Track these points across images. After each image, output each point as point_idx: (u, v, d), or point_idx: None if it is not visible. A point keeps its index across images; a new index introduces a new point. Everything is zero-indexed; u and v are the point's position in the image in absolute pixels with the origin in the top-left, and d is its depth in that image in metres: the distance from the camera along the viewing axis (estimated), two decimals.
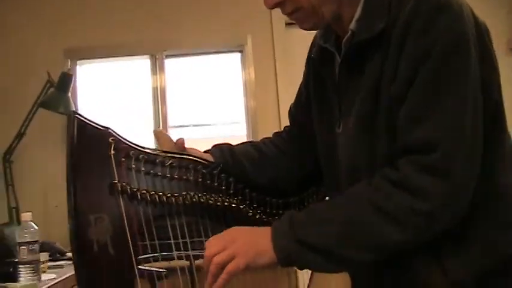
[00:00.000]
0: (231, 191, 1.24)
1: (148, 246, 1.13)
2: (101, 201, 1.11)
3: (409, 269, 1.07)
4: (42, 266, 2.11)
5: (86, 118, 1.14)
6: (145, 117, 3.69)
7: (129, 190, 1.12)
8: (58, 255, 2.65)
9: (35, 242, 1.90)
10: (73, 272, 1.14)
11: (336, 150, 1.20)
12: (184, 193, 1.18)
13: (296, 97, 1.46)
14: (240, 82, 3.76)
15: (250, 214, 1.25)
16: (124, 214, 1.11)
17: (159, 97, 3.70)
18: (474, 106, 0.98)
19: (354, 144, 1.12)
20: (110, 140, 1.12)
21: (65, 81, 2.97)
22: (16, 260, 1.89)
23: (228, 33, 3.69)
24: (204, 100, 3.74)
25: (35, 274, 1.89)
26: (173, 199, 1.16)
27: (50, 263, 2.38)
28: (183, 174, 1.19)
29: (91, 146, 1.12)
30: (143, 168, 1.14)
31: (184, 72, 3.77)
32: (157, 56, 3.70)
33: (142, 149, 1.16)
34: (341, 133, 1.18)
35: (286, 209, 1.30)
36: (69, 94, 2.99)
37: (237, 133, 3.69)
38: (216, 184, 1.23)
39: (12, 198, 3.19)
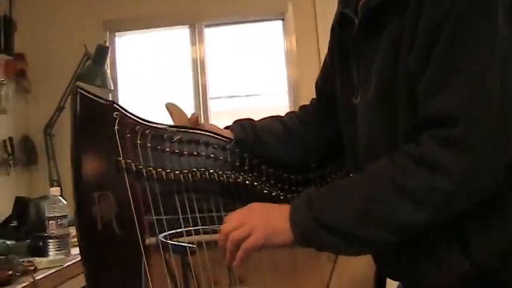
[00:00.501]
0: (246, 167, 1.18)
1: (156, 224, 1.07)
2: (105, 179, 1.06)
3: (429, 246, 0.99)
4: (73, 240, 2.11)
5: (90, 93, 1.09)
6: (184, 88, 3.66)
7: (134, 167, 1.07)
8: None
9: (64, 216, 1.89)
10: None
11: (355, 122, 1.12)
12: (194, 169, 1.12)
13: (322, 67, 1.39)
14: (281, 51, 3.66)
15: (265, 191, 1.18)
16: (129, 192, 1.06)
17: (198, 68, 3.65)
18: (502, 72, 0.88)
19: (372, 116, 1.05)
20: (115, 114, 1.06)
21: (101, 53, 2.95)
22: (46, 234, 1.88)
23: (268, 1, 3.59)
24: (245, 71, 3.66)
25: (64, 249, 1.88)
26: (181, 176, 1.10)
27: None
28: (193, 150, 1.13)
29: (95, 121, 1.07)
30: (149, 144, 1.09)
31: (224, 42, 3.70)
32: (196, 26, 3.64)
33: (149, 124, 1.10)
34: (359, 104, 1.10)
35: (306, 185, 1.23)
36: (106, 66, 2.97)
37: (278, 104, 3.61)
38: (229, 160, 1.16)
39: (54, 171, 3.22)
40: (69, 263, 1.82)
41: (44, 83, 3.39)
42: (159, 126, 1.11)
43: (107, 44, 3.04)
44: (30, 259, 1.67)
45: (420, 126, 0.94)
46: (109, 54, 3.21)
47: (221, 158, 1.15)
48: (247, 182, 1.16)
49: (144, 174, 1.07)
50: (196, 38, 3.65)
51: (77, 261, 1.85)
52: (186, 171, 1.11)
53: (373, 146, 1.06)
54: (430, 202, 0.91)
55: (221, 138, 1.18)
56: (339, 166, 1.29)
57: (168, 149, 1.10)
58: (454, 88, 0.88)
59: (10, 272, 1.46)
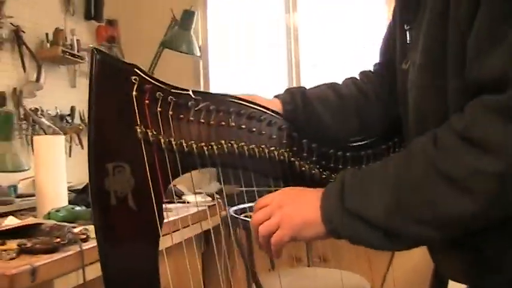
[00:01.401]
0: (284, 141, 1.05)
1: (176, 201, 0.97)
2: (121, 149, 0.97)
3: (477, 248, 0.83)
4: None
5: (109, 55, 1.00)
6: (278, 56, 3.53)
7: (152, 137, 0.96)
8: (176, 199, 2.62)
9: None
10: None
11: (406, 93, 0.96)
12: (222, 141, 1.00)
13: (386, 29, 1.23)
14: (383, 21, 3.44)
15: (304, 169, 1.05)
16: (147, 165, 0.96)
17: (292, 36, 3.50)
18: None
19: (420, 85, 0.90)
20: (133, 79, 0.96)
21: (187, 18, 2.89)
22: None
23: None
24: (339, 39, 3.47)
25: None
26: (205, 149, 0.99)
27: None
28: (222, 120, 1.01)
29: (112, 86, 0.97)
30: (171, 112, 0.98)
31: (319, 10, 3.52)
32: None
33: (172, 90, 0.99)
34: (408, 71, 0.95)
35: (355, 165, 1.08)
36: (192, 32, 2.91)
37: None
38: (263, 132, 1.04)
39: None
40: None
41: (135, 49, 3.40)
42: (184, 92, 1.00)
43: (193, 9, 2.96)
44: (87, 227, 1.64)
45: (468, 92, 0.77)
46: (199, 20, 3.15)
47: (254, 129, 1.03)
48: (281, 157, 1.03)
49: (163, 145, 0.97)
50: (290, 6, 3.50)
51: None
52: (211, 143, 1.00)
53: (421, 121, 0.91)
54: (477, 189, 0.74)
55: (258, 108, 1.05)
56: (397, 145, 1.12)
57: (192, 119, 0.99)
58: (507, 47, 0.70)
59: (58, 240, 1.43)
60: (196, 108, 0.99)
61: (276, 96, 1.18)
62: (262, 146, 1.03)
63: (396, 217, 0.81)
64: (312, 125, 1.13)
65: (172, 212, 2.27)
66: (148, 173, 0.97)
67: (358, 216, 0.83)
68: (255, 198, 0.99)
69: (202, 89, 3.53)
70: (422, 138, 0.82)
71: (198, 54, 2.99)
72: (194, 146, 0.99)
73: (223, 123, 1.01)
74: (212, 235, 2.57)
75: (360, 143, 1.11)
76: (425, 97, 0.88)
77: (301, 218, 0.90)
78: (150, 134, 0.96)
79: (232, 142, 1.01)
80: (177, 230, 2.13)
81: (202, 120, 1.00)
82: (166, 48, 2.90)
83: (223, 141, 1.00)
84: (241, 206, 2.27)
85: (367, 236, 0.84)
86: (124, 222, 0.97)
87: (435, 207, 0.78)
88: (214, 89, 3.57)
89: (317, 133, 1.10)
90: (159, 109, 0.97)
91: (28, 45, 2.79)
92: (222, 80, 3.56)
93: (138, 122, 0.96)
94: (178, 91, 0.99)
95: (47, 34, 2.95)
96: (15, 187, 2.33)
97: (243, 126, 1.02)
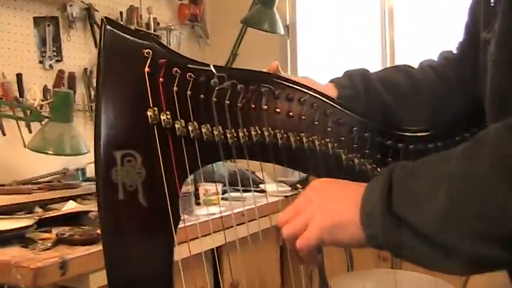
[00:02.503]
0: (329, 128, 0.87)
1: (193, 197, 0.82)
2: (131, 135, 0.83)
3: None
4: (213, 197, 1.95)
5: (122, 26, 0.85)
6: (372, 40, 3.29)
7: (164, 122, 0.81)
8: (253, 186, 2.48)
9: None
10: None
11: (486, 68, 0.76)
12: (251, 128, 0.84)
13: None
14: None
15: (352, 163, 0.86)
16: (160, 154, 0.82)
17: (386, 16, 3.24)
18: None
19: (498, 58, 0.71)
20: (145, 52, 0.81)
21: None
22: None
23: None
24: (437, 20, 3.16)
25: (185, 207, 1.70)
26: (229, 136, 0.83)
27: (234, 194, 2.20)
28: (251, 102, 0.84)
29: (123, 61, 0.83)
30: (190, 92, 0.83)
31: None
32: None
33: (190, 65, 0.83)
34: (490, 40, 0.75)
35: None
36: (275, 10, 2.73)
37: None
38: (303, 117, 0.86)
39: None
40: (188, 223, 1.63)
41: (220, 29, 3.28)
42: (205, 68, 0.84)
43: None
44: None
45: None
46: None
47: (291, 114, 0.86)
48: (324, 147, 0.85)
49: (179, 132, 0.82)
50: None
51: (202, 222, 1.67)
52: (237, 131, 0.83)
53: (499, 104, 0.71)
54: None
55: (298, 88, 0.87)
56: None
57: (215, 100, 0.83)
58: None
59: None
60: (219, 88, 0.83)
61: (331, 81, 1.01)
62: (301, 134, 0.85)
63: (451, 227, 0.61)
64: (373, 111, 0.95)
65: (247, 201, 2.13)
66: (161, 165, 0.82)
67: (405, 222, 0.64)
68: None
69: (289, 72, 3.36)
70: (496, 126, 0.62)
71: (282, 33, 2.81)
72: (216, 133, 0.83)
73: (253, 106, 0.84)
74: None
75: (427, 133, 0.91)
76: (504, 73, 0.68)
77: (335, 216, 0.72)
78: (164, 118, 0.81)
79: (264, 129, 0.84)
80: (253, 220, 2.01)
81: (227, 102, 0.83)
82: (249, 27, 2.74)
83: (252, 128, 0.84)
84: None
85: (416, 250, 0.65)
86: (132, 219, 0.83)
87: (506, 217, 0.57)
88: (302, 71, 3.38)
89: (377, 121, 0.91)
90: (175, 88, 0.82)
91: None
92: (310, 62, 3.37)
93: (151, 103, 0.81)
94: (198, 66, 0.83)
95: (121, 13, 2.87)
96: (83, 170, 2.28)
97: (278, 110, 0.85)
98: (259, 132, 0.83)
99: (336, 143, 0.86)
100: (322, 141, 0.85)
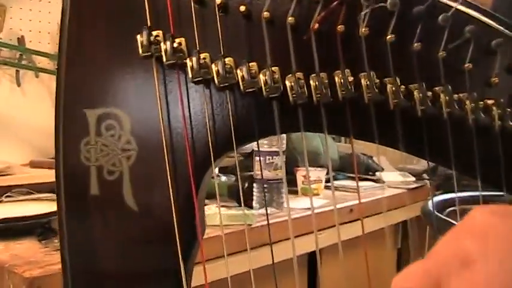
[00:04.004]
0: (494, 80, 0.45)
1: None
2: (111, 80, 0.46)
3: None
4: (313, 186, 1.56)
5: None
6: None
7: (165, 54, 0.44)
8: (373, 174, 2.04)
9: (275, 152, 1.30)
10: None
11: None
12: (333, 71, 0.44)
13: None
14: None
15: None
16: (161, 114, 0.44)
17: None
18: None
19: None
20: None
21: None
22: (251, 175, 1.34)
23: None
24: None
25: (273, 199, 1.31)
26: (292, 85, 0.44)
27: (342, 182, 1.79)
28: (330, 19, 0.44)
29: None
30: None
31: None
32: None
33: None
34: None
35: None
36: None
37: None
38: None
39: None
40: (275, 220, 1.24)
41: None
42: None
43: None
44: (213, 207, 1.17)
45: None
46: None
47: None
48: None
49: (192, 70, 0.44)
50: None
51: (296, 218, 1.28)
52: (296, 73, 0.44)
53: None
54: None
55: None
56: None
57: (253, 14, 0.44)
58: None
59: None
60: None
61: None
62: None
63: None
64: None
65: (362, 193, 1.73)
66: (169, 134, 0.44)
67: None
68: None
69: None
70: None
71: None
72: (265, 74, 0.43)
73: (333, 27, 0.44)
74: (410, 228, 1.97)
75: None
76: None
77: None
78: (165, 47, 0.43)
79: (364, 74, 0.44)
80: (368, 217, 1.62)
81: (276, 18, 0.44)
82: None
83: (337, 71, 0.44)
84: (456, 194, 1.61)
85: None
86: (112, 235, 0.46)
87: None
88: None
89: None
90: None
91: None
92: None
93: (145, 22, 0.44)
94: None
95: None
96: None
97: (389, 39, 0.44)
98: (347, 79, 0.43)
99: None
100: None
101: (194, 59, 0.43)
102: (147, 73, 0.44)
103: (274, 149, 1.30)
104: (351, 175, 1.92)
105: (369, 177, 1.97)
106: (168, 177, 0.44)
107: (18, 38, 1.66)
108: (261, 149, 1.31)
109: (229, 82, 0.42)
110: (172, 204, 0.44)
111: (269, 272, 0.49)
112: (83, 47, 0.46)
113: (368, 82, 0.42)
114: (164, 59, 0.43)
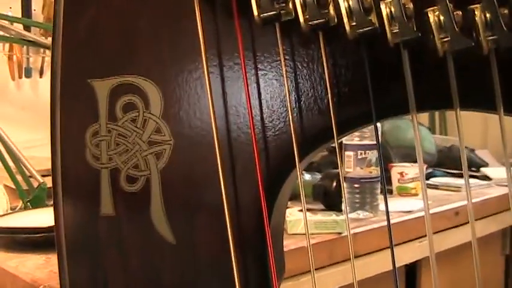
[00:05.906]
0: None
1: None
2: (134, 30, 0.28)
3: None
4: (410, 185, 1.34)
5: None
6: None
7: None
8: (477, 170, 1.80)
9: (367, 146, 1.09)
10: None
11: None
12: None
13: None
14: None
15: None
16: (210, 97, 0.26)
17: None
18: None
19: None
20: None
21: None
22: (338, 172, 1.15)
23: None
24: None
25: (365, 202, 1.11)
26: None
27: (442, 180, 1.57)
28: None
29: None
30: None
31: None
32: None
33: None
34: None
35: None
36: None
37: None
38: None
39: None
40: (369, 227, 1.04)
41: None
42: None
43: None
44: (294, 212, 0.99)
45: None
46: None
47: None
48: None
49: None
50: None
51: (395, 223, 1.08)
52: None
53: None
54: None
55: None
56: None
57: None
58: None
59: None
60: None
61: None
62: None
63: None
64: None
65: (460, 193, 1.50)
66: (213, 119, 0.26)
67: None
68: None
69: None
70: None
71: None
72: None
73: None
74: None
75: None
76: None
77: None
78: None
79: None
80: (476, 220, 1.41)
81: None
82: None
83: None
84: None
85: None
86: (134, 281, 0.28)
87: None
88: None
89: None
90: None
91: None
92: None
93: None
94: None
95: None
96: None
97: None
98: None
99: None
100: None
101: None
102: (192, 22, 0.27)
103: (366, 142, 1.11)
104: (451, 171, 1.70)
105: (473, 173, 1.74)
106: (222, 187, 0.26)
107: None
108: (351, 142, 1.12)
109: (323, 19, 0.24)
110: (230, 236, 0.26)
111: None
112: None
113: None
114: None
